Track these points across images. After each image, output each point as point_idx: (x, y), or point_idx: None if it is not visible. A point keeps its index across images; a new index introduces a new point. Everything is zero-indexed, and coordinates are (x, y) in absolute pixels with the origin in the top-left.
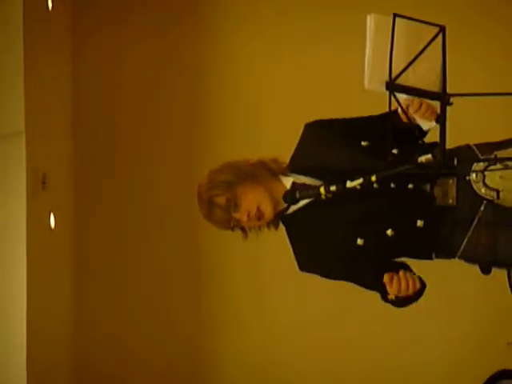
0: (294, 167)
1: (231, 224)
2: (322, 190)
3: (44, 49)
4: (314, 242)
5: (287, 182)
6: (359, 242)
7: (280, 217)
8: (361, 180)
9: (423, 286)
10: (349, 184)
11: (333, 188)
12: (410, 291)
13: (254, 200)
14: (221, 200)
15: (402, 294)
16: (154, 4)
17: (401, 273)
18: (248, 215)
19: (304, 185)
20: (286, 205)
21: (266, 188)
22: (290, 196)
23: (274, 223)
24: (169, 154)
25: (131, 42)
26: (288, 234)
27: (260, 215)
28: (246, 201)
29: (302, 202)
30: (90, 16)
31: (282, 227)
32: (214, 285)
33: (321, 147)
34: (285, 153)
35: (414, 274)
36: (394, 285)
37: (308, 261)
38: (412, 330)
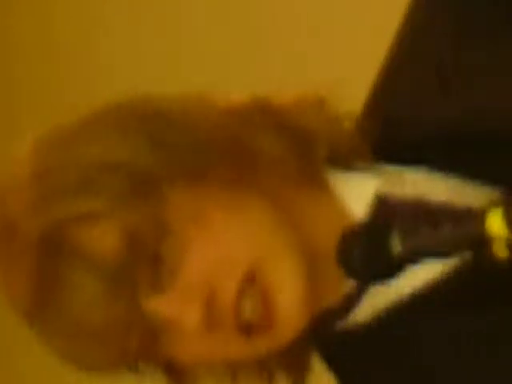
0: (389, 129)
1: (132, 343)
2: (495, 220)
3: None
4: None
5: (358, 191)
6: None
7: (319, 341)
8: None
9: None
10: None
11: None
12: None
13: (237, 245)
14: (99, 239)
15: None
16: None
17: None
18: (208, 305)
19: (418, 207)
20: (348, 289)
21: (281, 209)
22: (370, 247)
23: (291, 364)
24: None
25: None
26: None
27: (263, 313)
28: (204, 247)
29: (411, 279)
30: None
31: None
32: None
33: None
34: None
35: None
36: None
37: None
38: None
